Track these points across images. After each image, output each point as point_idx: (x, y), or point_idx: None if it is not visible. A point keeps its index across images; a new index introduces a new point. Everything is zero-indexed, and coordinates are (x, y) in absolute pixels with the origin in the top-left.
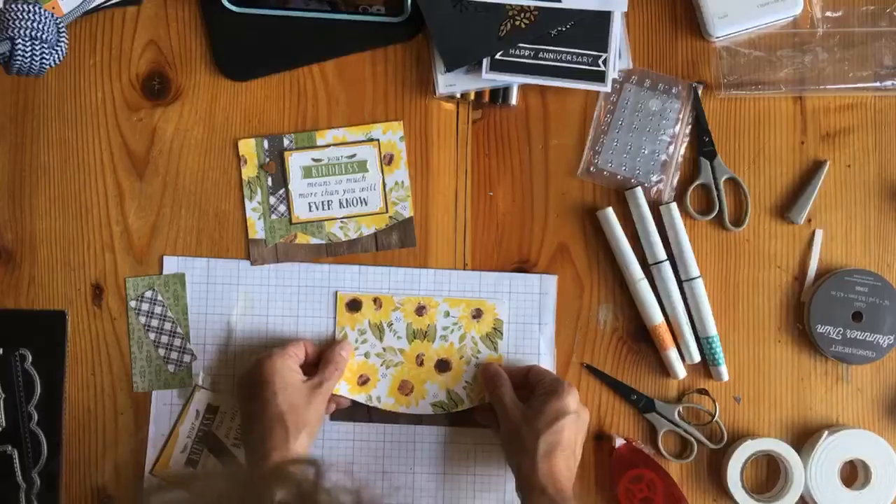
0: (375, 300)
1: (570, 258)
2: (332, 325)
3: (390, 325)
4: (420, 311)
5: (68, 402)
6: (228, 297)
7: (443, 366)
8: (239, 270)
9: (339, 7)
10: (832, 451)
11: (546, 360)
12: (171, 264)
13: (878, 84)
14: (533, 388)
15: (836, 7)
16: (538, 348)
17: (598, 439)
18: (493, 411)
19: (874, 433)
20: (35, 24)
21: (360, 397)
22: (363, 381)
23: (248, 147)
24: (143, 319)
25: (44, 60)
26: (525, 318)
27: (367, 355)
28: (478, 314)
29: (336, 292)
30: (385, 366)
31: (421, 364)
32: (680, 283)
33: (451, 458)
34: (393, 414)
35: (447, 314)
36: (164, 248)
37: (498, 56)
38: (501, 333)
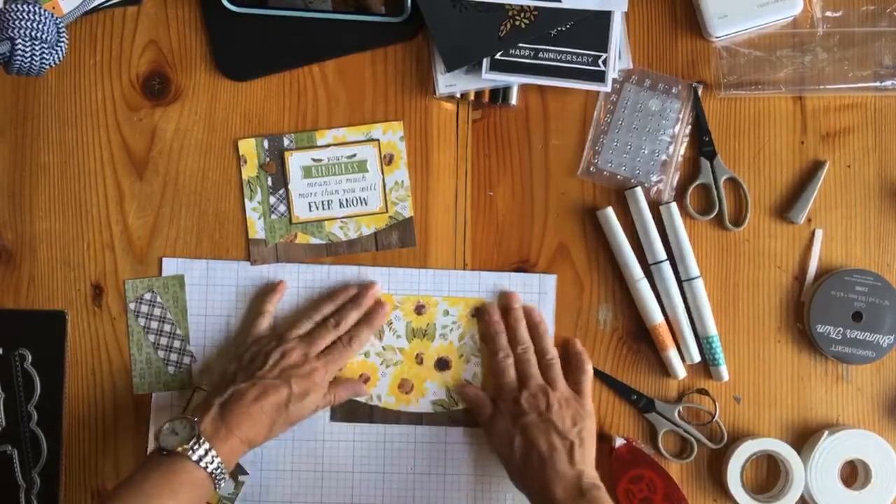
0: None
1: (570, 258)
2: None
3: (390, 324)
4: (419, 309)
5: (68, 402)
6: (228, 299)
7: (442, 364)
8: (238, 272)
9: (339, 7)
10: (832, 451)
11: None
12: (171, 266)
13: (878, 84)
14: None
15: (836, 7)
16: None
17: (599, 439)
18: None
19: (874, 433)
20: (35, 24)
21: (361, 397)
22: (364, 381)
23: (248, 147)
24: (142, 321)
25: (44, 60)
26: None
27: (366, 354)
28: (477, 313)
29: None
30: (385, 365)
31: (420, 363)
32: (680, 283)
33: (451, 458)
34: (394, 413)
35: (446, 313)
36: (164, 247)
37: (498, 56)
38: None
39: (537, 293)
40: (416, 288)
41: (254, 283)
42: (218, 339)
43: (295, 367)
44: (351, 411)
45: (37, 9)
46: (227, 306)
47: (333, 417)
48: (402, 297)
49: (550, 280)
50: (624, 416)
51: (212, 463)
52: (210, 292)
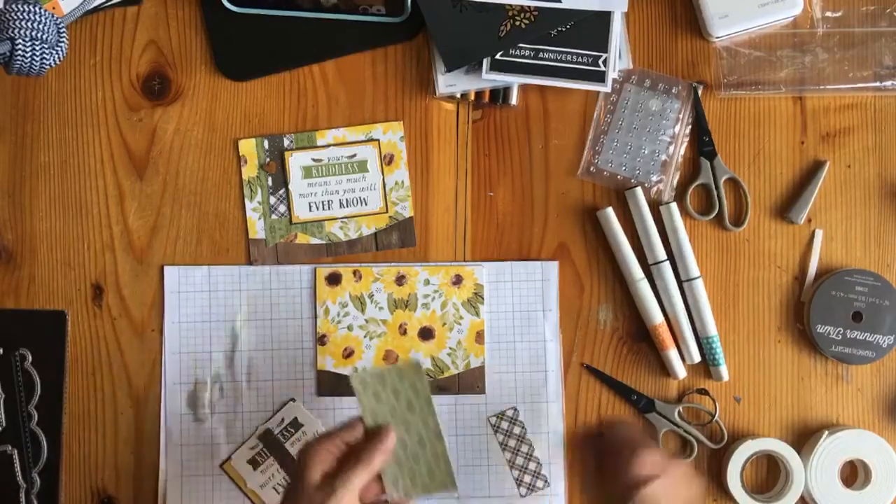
0: (355, 272)
1: (570, 258)
2: None
3: (371, 296)
4: (400, 280)
5: (68, 402)
6: (231, 304)
7: (426, 334)
8: (240, 276)
9: (338, 7)
10: (832, 451)
11: (552, 347)
12: (172, 274)
13: (878, 84)
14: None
15: (836, 7)
16: (544, 335)
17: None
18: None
19: (874, 433)
20: (35, 25)
21: (346, 370)
22: (348, 354)
23: (248, 147)
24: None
25: (44, 60)
26: (529, 305)
27: (350, 328)
28: (458, 280)
29: (315, 267)
30: (369, 337)
31: (404, 333)
32: (680, 283)
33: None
34: None
35: (427, 282)
36: (165, 248)
37: (498, 56)
38: (483, 298)
39: (540, 280)
40: (397, 258)
41: (256, 286)
42: (224, 344)
43: None
44: (336, 385)
45: (37, 9)
46: (231, 311)
47: (320, 391)
48: (381, 268)
49: (553, 267)
50: (624, 416)
51: None
52: (213, 298)
